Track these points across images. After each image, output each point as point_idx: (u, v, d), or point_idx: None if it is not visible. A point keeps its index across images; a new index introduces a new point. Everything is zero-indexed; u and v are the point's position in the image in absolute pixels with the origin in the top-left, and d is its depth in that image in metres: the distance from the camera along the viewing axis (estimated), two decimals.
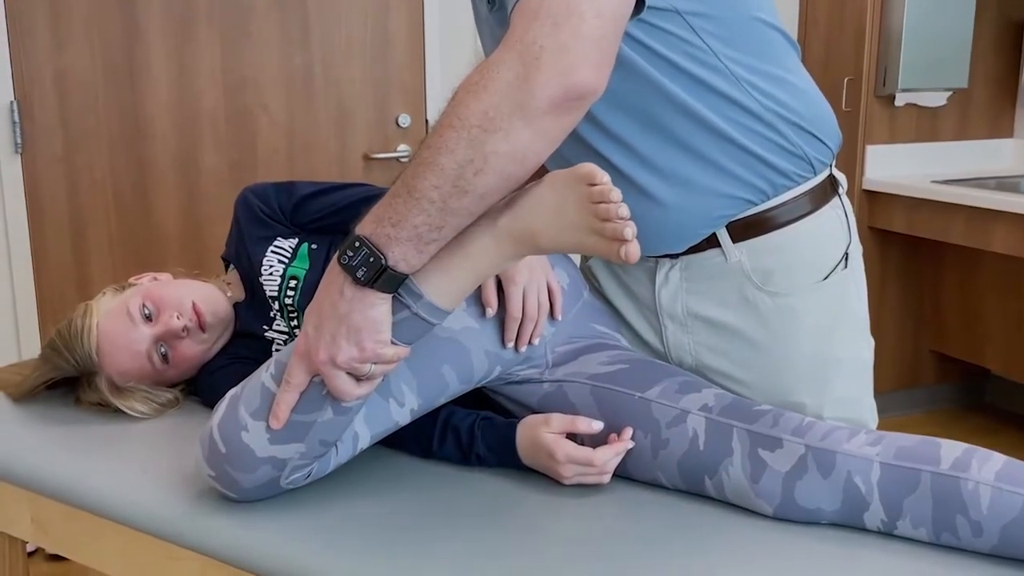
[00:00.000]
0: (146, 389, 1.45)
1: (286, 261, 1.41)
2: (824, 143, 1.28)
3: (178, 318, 1.41)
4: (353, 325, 1.02)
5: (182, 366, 1.45)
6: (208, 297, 1.45)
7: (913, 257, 3.45)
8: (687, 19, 1.16)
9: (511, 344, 1.24)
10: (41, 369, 1.47)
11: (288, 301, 1.40)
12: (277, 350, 1.43)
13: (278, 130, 2.80)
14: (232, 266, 1.53)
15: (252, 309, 1.46)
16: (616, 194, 1.00)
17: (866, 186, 3.27)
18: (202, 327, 1.43)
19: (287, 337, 1.43)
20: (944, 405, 3.67)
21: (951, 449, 1.09)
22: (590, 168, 1.02)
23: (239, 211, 1.47)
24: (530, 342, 1.26)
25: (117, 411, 1.44)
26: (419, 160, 0.98)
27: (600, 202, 1.00)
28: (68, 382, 1.48)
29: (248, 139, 2.77)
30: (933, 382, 3.62)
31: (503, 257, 1.07)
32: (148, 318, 1.42)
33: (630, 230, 0.99)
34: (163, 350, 1.42)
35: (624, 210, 0.99)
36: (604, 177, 1.01)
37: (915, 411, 3.59)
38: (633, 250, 0.99)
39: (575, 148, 1.25)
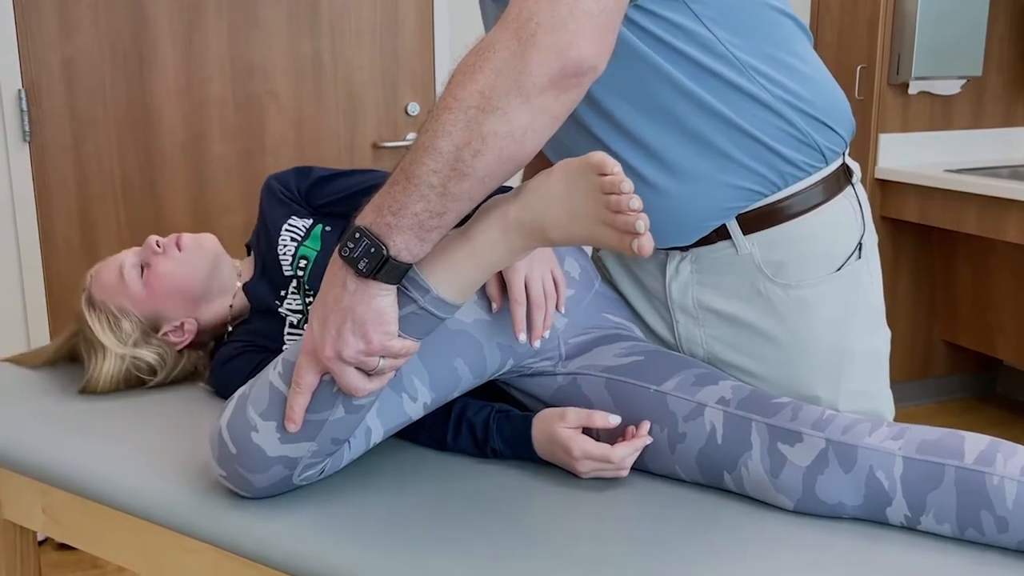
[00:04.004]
0: (146, 339, 1.49)
1: (299, 240, 1.42)
2: (836, 132, 1.26)
3: (158, 244, 1.49)
4: (358, 318, 1.00)
5: (155, 286, 1.48)
6: (199, 234, 1.53)
7: (925, 246, 3.43)
8: (690, 6, 1.14)
9: (521, 335, 1.21)
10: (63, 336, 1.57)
11: (300, 274, 1.41)
12: (290, 333, 1.43)
13: (287, 118, 2.78)
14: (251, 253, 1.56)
15: (262, 284, 1.47)
16: (628, 185, 0.98)
17: (879, 175, 3.24)
18: (178, 245, 1.49)
19: (301, 315, 1.42)
20: (956, 396, 3.65)
21: (975, 442, 1.07)
22: (601, 157, 1.00)
23: (262, 196, 1.51)
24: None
25: (127, 381, 1.49)
26: (417, 145, 0.96)
27: (611, 193, 0.98)
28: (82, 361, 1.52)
29: (257, 127, 2.75)
30: (945, 372, 3.60)
31: (512, 250, 1.06)
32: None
33: (643, 223, 0.97)
34: (137, 265, 1.50)
35: (636, 202, 0.97)
36: (615, 167, 0.99)
37: (926, 402, 3.58)
38: (646, 243, 0.97)
39: (579, 136, 1.23)
